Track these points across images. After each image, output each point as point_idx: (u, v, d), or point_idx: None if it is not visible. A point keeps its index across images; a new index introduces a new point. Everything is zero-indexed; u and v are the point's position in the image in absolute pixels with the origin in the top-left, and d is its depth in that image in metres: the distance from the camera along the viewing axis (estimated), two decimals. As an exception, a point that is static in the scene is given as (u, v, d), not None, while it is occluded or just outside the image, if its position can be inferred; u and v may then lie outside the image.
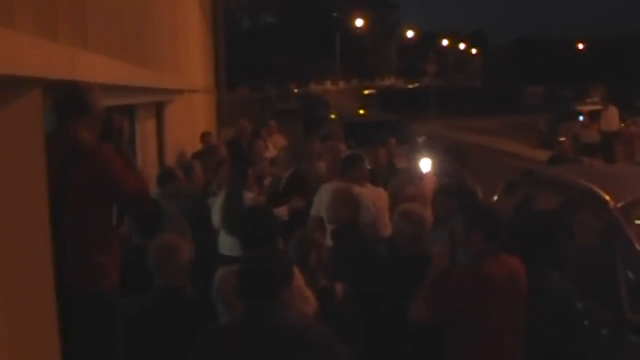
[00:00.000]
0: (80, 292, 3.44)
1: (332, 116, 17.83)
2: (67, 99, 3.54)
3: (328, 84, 67.71)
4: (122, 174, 3.63)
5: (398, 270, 4.49)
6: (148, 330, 3.89)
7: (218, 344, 3.11)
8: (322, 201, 6.10)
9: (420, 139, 13.11)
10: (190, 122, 12.29)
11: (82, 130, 3.58)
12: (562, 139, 11.52)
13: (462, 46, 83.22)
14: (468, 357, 4.09)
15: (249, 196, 6.56)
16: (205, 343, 3.15)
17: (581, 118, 22.35)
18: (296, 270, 3.52)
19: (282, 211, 6.82)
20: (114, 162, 3.61)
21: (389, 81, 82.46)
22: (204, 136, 10.83)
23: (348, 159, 6.73)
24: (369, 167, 7.29)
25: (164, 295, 4.01)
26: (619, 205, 4.84)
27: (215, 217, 6.56)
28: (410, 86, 67.32)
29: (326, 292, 4.15)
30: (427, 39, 76.29)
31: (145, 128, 7.49)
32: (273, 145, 11.20)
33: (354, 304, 4.22)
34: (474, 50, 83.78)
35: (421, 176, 7.49)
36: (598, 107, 19.20)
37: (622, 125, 17.45)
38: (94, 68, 3.65)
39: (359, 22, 68.80)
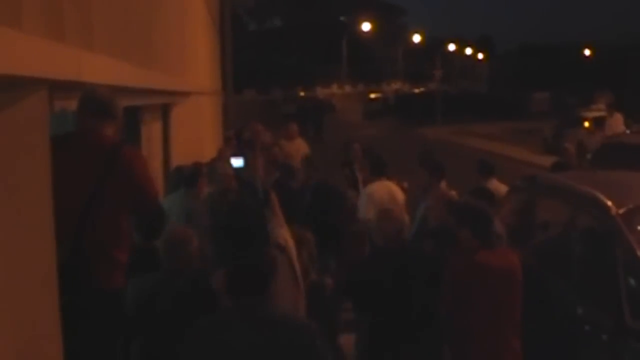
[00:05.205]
0: (100, 291, 3.49)
1: None
2: (99, 103, 3.62)
3: (334, 88, 67.72)
4: (152, 179, 3.76)
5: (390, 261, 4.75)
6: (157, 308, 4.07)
7: (209, 338, 3.22)
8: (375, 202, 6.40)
9: None
10: (197, 125, 12.30)
11: (109, 133, 3.68)
12: (567, 145, 11.32)
13: (468, 51, 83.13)
14: (461, 340, 4.45)
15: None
16: (196, 336, 3.24)
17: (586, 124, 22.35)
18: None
19: None
20: (148, 168, 3.71)
21: (395, 86, 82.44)
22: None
23: (379, 160, 6.90)
24: None
25: (169, 277, 4.16)
26: (621, 211, 4.85)
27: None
28: (417, 91, 67.29)
29: (316, 286, 4.66)
30: (433, 44, 76.24)
31: (151, 130, 7.51)
32: (296, 150, 10.56)
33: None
34: (480, 56, 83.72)
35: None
36: (603, 113, 19.18)
37: (628, 132, 17.39)
38: (100, 69, 3.67)
39: (366, 27, 68.85)
